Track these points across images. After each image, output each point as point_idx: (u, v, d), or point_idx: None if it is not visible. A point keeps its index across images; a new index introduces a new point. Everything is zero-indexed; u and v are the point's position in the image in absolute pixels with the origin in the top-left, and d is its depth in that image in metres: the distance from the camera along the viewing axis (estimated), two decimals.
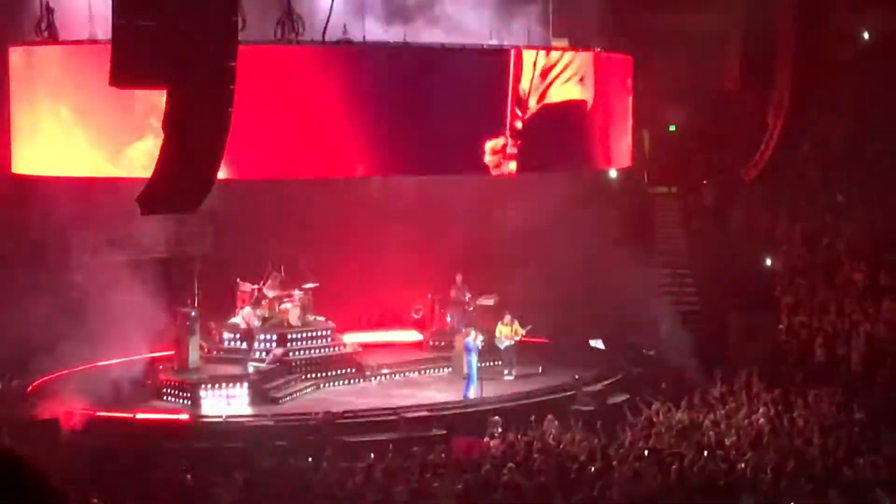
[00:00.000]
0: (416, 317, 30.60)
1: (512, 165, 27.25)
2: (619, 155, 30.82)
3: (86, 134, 23.24)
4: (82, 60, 23.53)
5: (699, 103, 33.46)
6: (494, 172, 26.52)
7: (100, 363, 26.46)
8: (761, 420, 22.92)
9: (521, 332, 27.68)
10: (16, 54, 24.67)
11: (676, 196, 35.76)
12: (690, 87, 32.57)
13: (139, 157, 21.69)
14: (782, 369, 27.49)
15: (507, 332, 27.65)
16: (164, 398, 25.68)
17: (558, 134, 29.25)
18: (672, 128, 35.61)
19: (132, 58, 16.42)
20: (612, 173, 33.75)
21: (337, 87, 24.51)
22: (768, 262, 31.97)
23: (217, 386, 25.38)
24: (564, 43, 31.58)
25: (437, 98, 25.37)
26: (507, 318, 27.87)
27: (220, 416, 24.49)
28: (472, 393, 26.16)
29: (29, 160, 24.75)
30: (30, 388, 25.76)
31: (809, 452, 20.67)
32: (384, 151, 25.21)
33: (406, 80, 25.16)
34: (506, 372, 27.81)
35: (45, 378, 26.17)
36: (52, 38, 23.59)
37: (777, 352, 29.08)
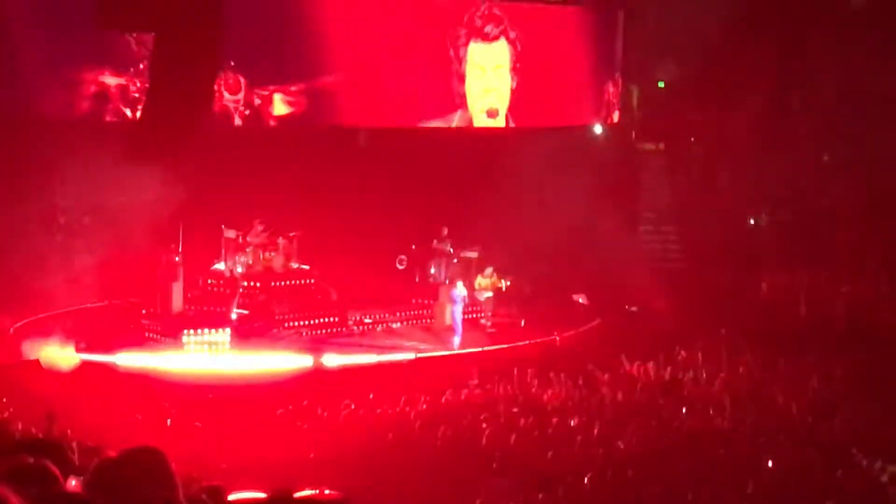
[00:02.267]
0: (400, 268, 30.57)
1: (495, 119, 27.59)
2: (606, 110, 30.85)
3: None
4: None
5: (688, 59, 33.33)
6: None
7: (84, 306, 26.42)
8: (743, 378, 23.01)
9: (500, 284, 27.96)
10: None
11: (663, 153, 35.72)
12: (679, 43, 32.43)
13: None
14: (765, 327, 27.57)
15: (486, 284, 27.90)
16: (147, 339, 25.65)
17: (544, 89, 29.35)
18: (661, 84, 35.52)
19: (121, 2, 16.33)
20: (598, 129, 33.67)
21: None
22: (752, 221, 31.97)
23: (200, 331, 25.34)
24: None
25: None
26: (488, 270, 28.12)
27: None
28: (457, 343, 26.23)
29: None
30: (12, 329, 25.71)
31: (789, 410, 20.75)
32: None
33: None
34: (487, 324, 27.95)
35: (29, 319, 26.12)
36: None
37: (760, 310, 29.16)
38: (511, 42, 29.40)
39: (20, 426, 16.05)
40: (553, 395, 22.06)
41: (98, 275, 25.47)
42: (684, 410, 20.82)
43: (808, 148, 33.12)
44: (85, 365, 23.53)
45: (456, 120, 29.35)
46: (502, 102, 29.37)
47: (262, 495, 5.72)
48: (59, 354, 23.54)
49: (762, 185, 32.74)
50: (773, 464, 17.57)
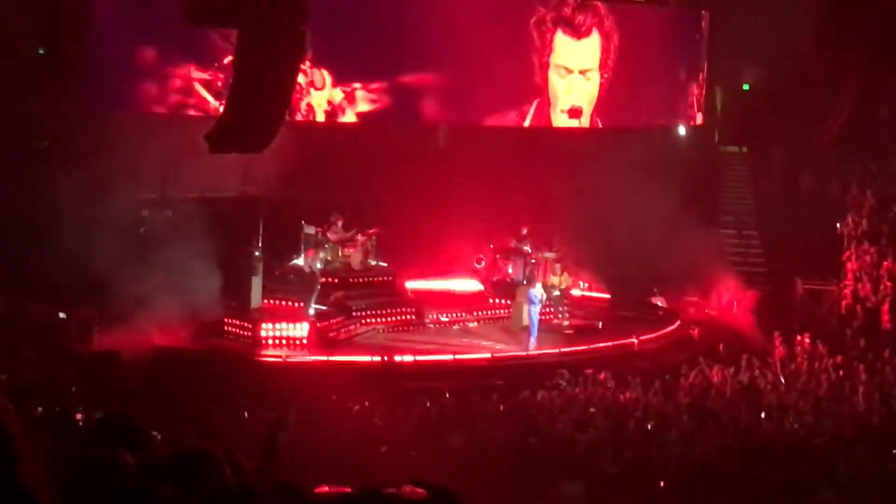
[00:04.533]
0: (477, 266, 30.54)
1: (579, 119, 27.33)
2: (690, 112, 30.60)
3: None
4: None
5: (774, 63, 32.97)
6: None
7: (163, 299, 26.65)
8: (822, 385, 22.74)
9: (568, 282, 27.94)
10: None
11: (747, 156, 35.41)
12: (766, 47, 32.08)
13: None
14: (846, 335, 27.23)
15: (556, 283, 27.89)
16: (226, 336, 25.83)
17: (630, 90, 29.09)
18: (746, 86, 35.21)
19: None
20: (681, 130, 33.45)
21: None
22: (838, 226, 31.55)
23: (278, 326, 25.49)
24: None
25: None
26: (557, 268, 28.06)
27: (280, 357, 24.62)
28: (533, 344, 26.16)
29: None
30: (94, 320, 25.98)
31: (870, 420, 20.47)
32: None
33: None
34: (566, 325, 27.87)
35: (109, 311, 26.39)
36: None
37: (841, 317, 28.79)
38: (604, 37, 28.84)
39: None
40: (630, 398, 21.92)
41: (179, 268, 25.65)
42: (762, 416, 20.59)
43: (894, 155, 32.63)
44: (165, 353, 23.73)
45: (531, 113, 28.84)
46: (587, 103, 29.05)
47: (346, 490, 5.69)
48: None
49: (846, 191, 32.28)
50: (849, 473, 17.31)
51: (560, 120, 29.15)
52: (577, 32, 28.53)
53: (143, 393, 20.22)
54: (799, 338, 26.09)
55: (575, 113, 28.95)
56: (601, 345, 26.51)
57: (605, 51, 28.85)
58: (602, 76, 29.02)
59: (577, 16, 28.30)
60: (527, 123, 28.67)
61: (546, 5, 28.04)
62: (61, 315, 25.21)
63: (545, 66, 28.34)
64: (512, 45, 27.98)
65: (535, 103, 28.51)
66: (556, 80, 28.74)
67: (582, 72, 28.87)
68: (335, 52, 26.41)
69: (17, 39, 27.15)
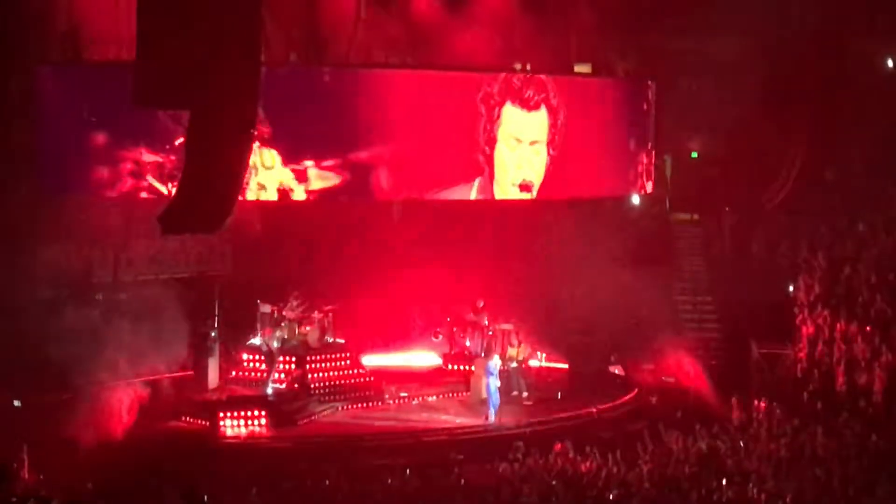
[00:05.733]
0: (435, 340, 30.52)
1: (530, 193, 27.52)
2: (640, 181, 30.80)
3: None
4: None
5: (721, 130, 33.35)
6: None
7: (120, 382, 26.47)
8: (781, 449, 22.79)
9: (526, 353, 27.93)
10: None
11: (698, 223, 35.67)
12: (712, 114, 32.46)
13: None
14: (803, 398, 27.34)
15: (514, 354, 27.88)
16: (183, 418, 25.64)
17: (579, 162, 29.22)
18: (694, 154, 35.56)
19: (155, 78, 16.45)
20: (635, 199, 33.70)
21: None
22: (791, 289, 31.77)
23: (236, 407, 25.34)
24: (587, 68, 31.70)
25: None
26: (514, 339, 28.10)
27: (239, 437, 24.47)
28: (493, 417, 26.10)
29: None
30: (52, 404, 25.74)
31: (830, 481, 20.52)
32: None
33: None
34: (524, 395, 27.84)
35: (67, 395, 26.17)
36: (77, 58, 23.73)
37: (797, 380, 28.92)
38: (551, 111, 28.97)
39: None
40: (591, 468, 21.89)
41: (134, 350, 25.51)
42: (724, 482, 20.60)
43: (842, 217, 32.97)
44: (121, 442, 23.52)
45: (476, 188, 28.84)
46: (537, 176, 29.12)
47: None
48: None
49: (797, 254, 32.56)
50: None
51: (510, 194, 29.00)
52: (527, 105, 28.66)
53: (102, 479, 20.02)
54: (756, 402, 26.18)
55: (526, 187, 28.96)
56: (561, 415, 26.48)
57: (553, 125, 29.00)
58: (549, 151, 29.09)
59: (525, 89, 28.45)
60: (472, 198, 28.64)
61: (492, 81, 28.19)
62: (16, 403, 25.02)
63: (492, 141, 28.43)
64: (459, 120, 28.08)
65: (477, 180, 28.45)
66: (505, 153, 28.73)
67: (532, 143, 28.99)
68: (284, 132, 26.45)
69: None
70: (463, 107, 27.86)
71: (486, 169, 28.29)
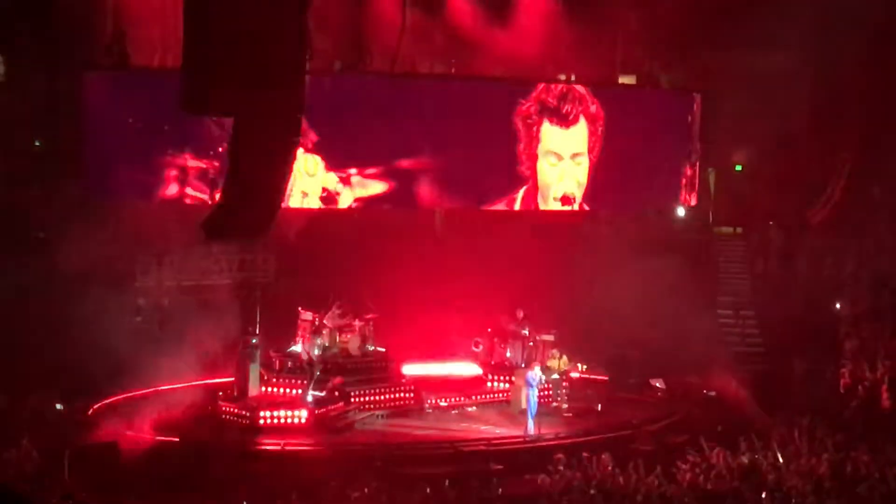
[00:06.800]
0: (475, 350, 30.47)
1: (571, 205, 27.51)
2: (684, 194, 30.68)
3: None
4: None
5: (767, 144, 33.17)
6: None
7: (161, 388, 26.59)
8: (823, 465, 22.60)
9: (567, 364, 27.83)
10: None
11: (741, 237, 35.49)
12: (759, 128, 32.29)
13: None
14: (845, 414, 27.13)
15: (554, 366, 27.78)
16: (224, 424, 25.70)
17: (621, 174, 29.16)
18: (738, 167, 35.39)
19: (201, 85, 16.52)
20: (678, 212, 33.58)
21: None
22: (837, 305, 31.53)
23: (276, 414, 25.39)
24: (632, 80, 31.61)
25: None
26: (555, 352, 28.03)
27: (279, 445, 24.49)
28: (532, 428, 26.02)
29: None
30: (91, 410, 25.90)
31: (871, 499, 20.34)
32: None
33: None
34: (564, 407, 27.74)
35: (107, 401, 26.31)
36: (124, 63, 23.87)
37: (840, 396, 28.70)
38: (590, 122, 28.97)
39: None
40: (630, 481, 21.78)
41: (176, 356, 25.62)
42: (763, 496, 20.45)
43: (888, 232, 32.71)
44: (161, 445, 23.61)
45: (519, 200, 28.87)
46: (579, 188, 29.11)
47: None
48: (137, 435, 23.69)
49: (842, 270, 32.32)
50: None
51: (552, 206, 29.07)
52: (565, 122, 28.69)
53: (142, 484, 20.11)
54: (798, 418, 25.99)
55: (567, 200, 28.97)
56: (601, 427, 26.37)
57: (592, 135, 28.98)
58: (591, 160, 29.09)
59: (562, 105, 28.53)
60: (516, 208, 28.74)
61: (527, 97, 28.27)
62: (58, 406, 25.16)
63: (533, 157, 28.54)
64: (499, 133, 28.19)
65: (522, 190, 28.54)
66: (546, 168, 28.81)
67: (573, 156, 28.99)
68: (329, 139, 26.57)
69: (16, 130, 27.40)
70: (505, 120, 27.98)
71: (529, 181, 28.34)
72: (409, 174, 27.63)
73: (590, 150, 29.09)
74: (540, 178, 28.73)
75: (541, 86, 28.34)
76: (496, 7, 28.50)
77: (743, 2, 31.28)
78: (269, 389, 26.84)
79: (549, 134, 28.59)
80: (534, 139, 28.46)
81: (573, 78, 29.63)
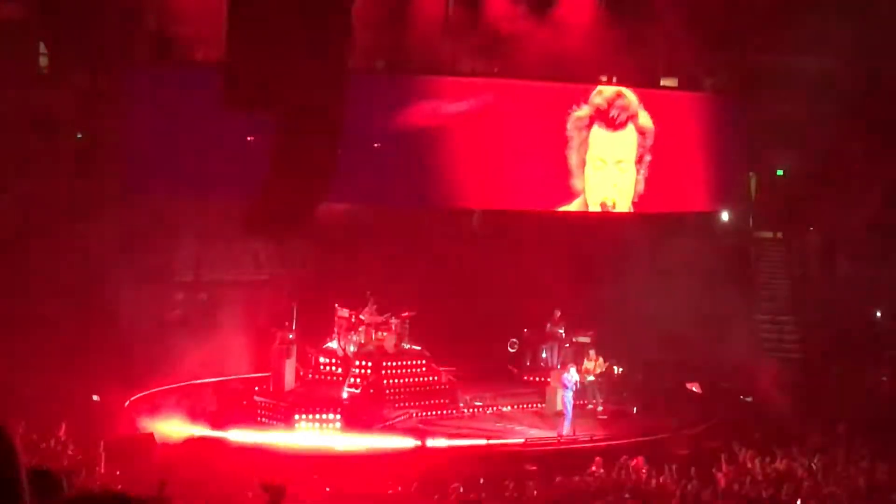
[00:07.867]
0: (511, 351, 30.44)
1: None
2: (725, 197, 30.56)
3: None
4: None
5: (809, 148, 32.98)
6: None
7: (197, 382, 26.71)
8: (860, 474, 22.46)
9: (602, 367, 27.78)
10: None
11: (781, 241, 35.31)
12: (800, 133, 32.11)
13: None
14: (885, 422, 26.95)
15: (591, 367, 27.73)
16: (259, 420, 25.77)
17: (665, 178, 29.10)
18: (780, 172, 35.21)
19: (244, 81, 16.60)
20: (720, 215, 33.48)
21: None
22: (878, 314, 31.33)
23: (311, 410, 25.42)
24: (673, 83, 31.51)
25: None
26: (592, 353, 27.96)
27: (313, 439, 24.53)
28: (568, 429, 25.97)
29: None
30: (127, 403, 26.03)
31: None
32: None
33: None
34: (600, 409, 27.68)
35: (143, 394, 26.44)
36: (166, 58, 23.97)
37: (879, 404, 28.51)
38: (640, 130, 28.93)
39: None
40: (665, 484, 21.72)
41: (212, 350, 25.73)
42: (799, 503, 20.34)
43: None
44: (197, 440, 23.68)
45: (575, 206, 29.02)
46: (619, 194, 29.07)
47: None
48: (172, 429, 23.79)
49: (882, 277, 32.11)
50: None
51: (592, 209, 29.13)
52: (612, 125, 28.67)
53: (176, 477, 20.13)
54: (836, 425, 25.84)
55: (606, 205, 28.97)
56: (636, 430, 26.30)
57: (640, 146, 28.94)
58: (637, 168, 29.05)
59: (611, 109, 28.48)
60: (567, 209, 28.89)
61: (578, 100, 28.30)
62: (95, 398, 25.30)
63: (582, 163, 28.59)
64: (549, 135, 28.30)
65: (578, 199, 28.74)
66: (591, 173, 28.81)
67: (617, 162, 28.95)
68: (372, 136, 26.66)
69: (58, 123, 27.55)
70: (552, 124, 28.05)
71: (578, 193, 28.51)
72: (454, 176, 27.68)
73: (637, 160, 29.03)
74: (585, 182, 28.76)
75: (594, 90, 28.38)
76: (538, 7, 28.47)
77: (787, 4, 31.12)
78: (305, 386, 26.90)
79: (597, 137, 28.61)
80: (583, 144, 28.54)
81: (615, 80, 29.56)
